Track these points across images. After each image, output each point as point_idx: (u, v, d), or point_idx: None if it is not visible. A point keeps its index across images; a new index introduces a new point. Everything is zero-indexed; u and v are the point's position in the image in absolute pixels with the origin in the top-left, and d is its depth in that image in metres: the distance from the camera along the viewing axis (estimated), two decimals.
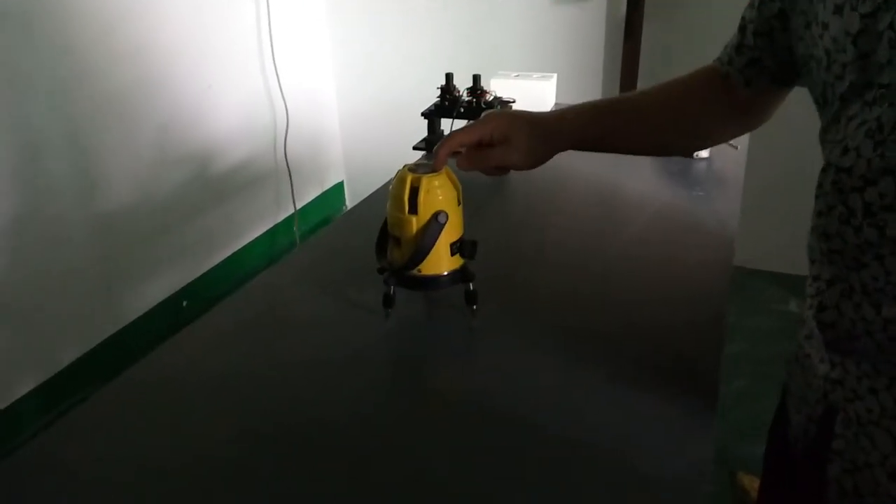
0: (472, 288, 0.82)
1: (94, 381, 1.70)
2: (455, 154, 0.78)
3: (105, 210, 1.84)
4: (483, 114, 0.79)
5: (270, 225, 2.48)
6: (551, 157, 0.79)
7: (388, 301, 0.81)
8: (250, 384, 0.73)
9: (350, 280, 0.89)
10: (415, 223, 0.76)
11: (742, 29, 0.70)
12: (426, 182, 0.75)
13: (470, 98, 1.35)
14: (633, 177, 1.27)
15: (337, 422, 0.68)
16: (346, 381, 0.74)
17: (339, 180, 2.86)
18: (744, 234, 1.15)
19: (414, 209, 0.75)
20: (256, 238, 2.42)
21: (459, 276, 0.80)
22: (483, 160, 0.78)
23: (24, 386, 1.67)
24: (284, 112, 2.41)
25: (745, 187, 1.21)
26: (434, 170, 0.77)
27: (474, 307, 0.82)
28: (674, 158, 1.29)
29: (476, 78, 1.34)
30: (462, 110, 1.34)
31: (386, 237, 0.80)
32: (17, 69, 1.57)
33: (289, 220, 2.54)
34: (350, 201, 2.90)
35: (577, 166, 1.31)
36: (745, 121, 0.79)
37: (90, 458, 0.64)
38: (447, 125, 1.38)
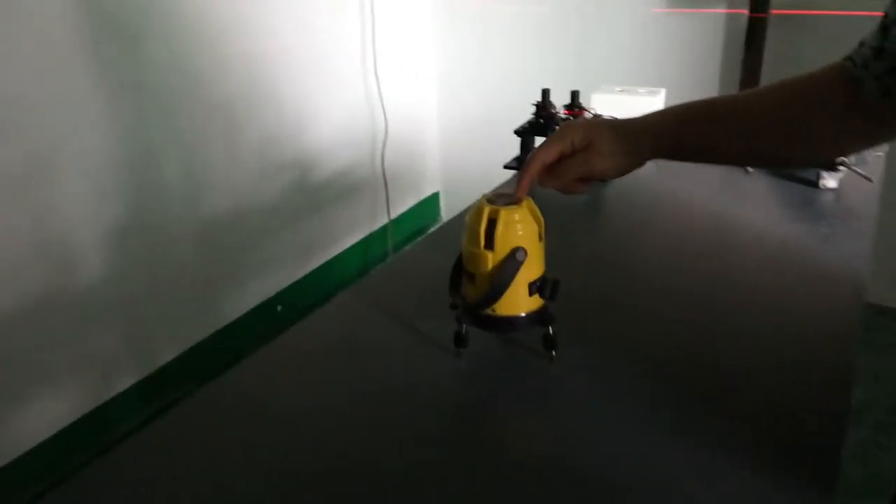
0: (551, 332, 0.74)
1: (188, 381, 1.76)
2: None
3: (207, 215, 1.90)
4: (559, 127, 0.73)
5: (365, 234, 2.50)
6: (638, 165, 0.72)
7: (459, 340, 0.76)
8: (314, 415, 0.70)
9: (425, 309, 0.84)
10: (490, 259, 0.70)
11: (884, 29, 0.58)
12: (505, 215, 0.69)
13: (567, 115, 1.27)
14: (746, 206, 1.15)
15: (395, 467, 0.63)
16: (410, 422, 0.69)
17: (435, 191, 2.85)
18: (875, 271, 1.01)
19: (490, 244, 0.69)
20: (351, 246, 2.44)
21: (538, 318, 0.74)
22: (564, 173, 0.71)
23: (125, 382, 1.75)
24: (384, 122, 2.42)
25: (880, 221, 1.06)
26: (515, 201, 0.71)
27: (553, 353, 0.75)
28: (795, 187, 1.16)
29: (574, 94, 1.26)
30: (557, 128, 1.26)
31: (460, 271, 0.75)
32: (132, 81, 1.65)
33: (383, 230, 2.55)
34: (445, 212, 2.88)
35: (680, 193, 1.20)
36: (874, 134, 0.66)
37: (166, 474, 0.63)
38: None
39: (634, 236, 1.08)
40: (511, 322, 0.73)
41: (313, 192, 2.25)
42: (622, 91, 1.47)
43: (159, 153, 1.75)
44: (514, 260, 0.69)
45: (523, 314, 0.73)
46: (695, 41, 2.19)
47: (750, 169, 1.26)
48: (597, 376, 0.74)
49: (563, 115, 1.27)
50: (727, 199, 1.20)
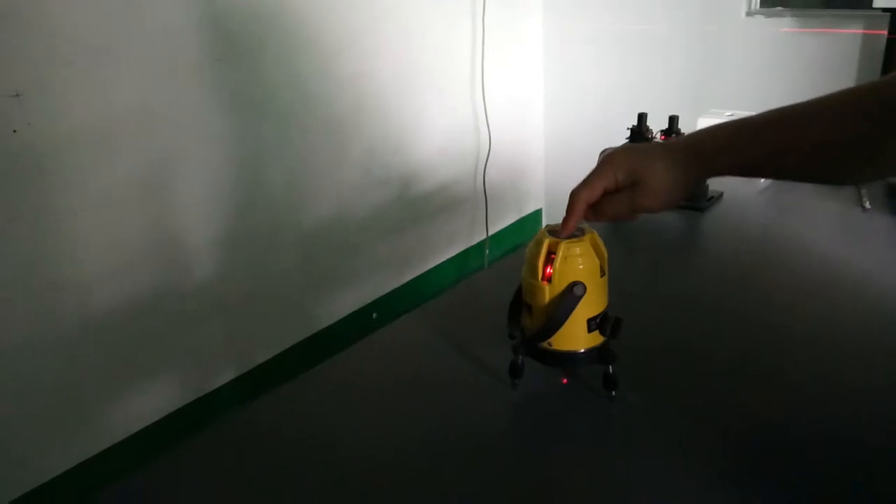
0: (611, 371, 0.71)
1: (282, 381, 1.84)
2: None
3: (310, 224, 1.99)
4: (601, 156, 0.69)
5: (463, 248, 2.52)
6: (687, 193, 0.67)
7: (514, 371, 0.74)
8: (358, 437, 0.71)
9: (488, 337, 0.83)
10: (548, 292, 0.68)
11: None
12: (564, 248, 0.67)
13: (664, 142, 1.22)
14: (860, 247, 1.04)
15: (434, 496, 0.62)
16: (455, 452, 0.68)
17: (538, 208, 2.82)
18: None
19: (548, 277, 0.68)
20: (448, 259, 2.47)
21: (597, 355, 0.71)
22: (610, 210, 0.68)
23: (225, 376, 1.86)
24: (488, 138, 2.43)
25: None
26: (577, 234, 0.69)
27: (613, 393, 0.72)
28: None
29: (672, 119, 1.20)
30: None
31: (520, 302, 0.73)
32: (251, 97, 1.76)
33: (480, 245, 2.56)
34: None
35: (786, 228, 1.12)
36: None
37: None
38: None
39: (730, 274, 1.01)
40: (568, 357, 0.70)
41: (413, 205, 2.30)
42: (732, 116, 1.39)
43: (269, 164, 1.85)
44: (571, 295, 0.66)
45: (582, 350, 0.70)
46: (825, 63, 2.03)
47: (868, 205, 1.15)
48: (657, 423, 0.70)
49: (660, 141, 1.22)
50: (838, 237, 1.10)
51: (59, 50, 1.36)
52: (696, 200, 1.20)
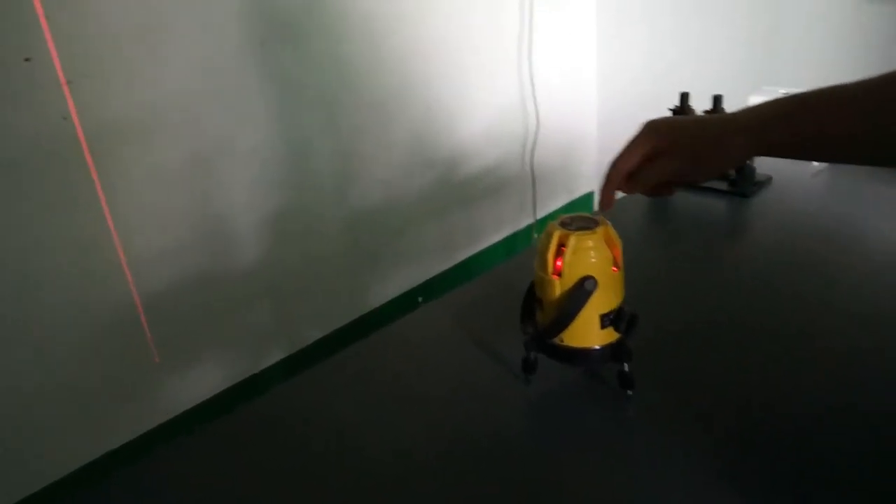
0: (627, 369, 0.68)
1: (328, 361, 1.87)
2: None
3: (356, 207, 2.00)
4: (641, 127, 0.66)
5: (511, 231, 2.48)
6: (729, 167, 0.64)
7: (527, 366, 0.72)
8: (368, 425, 0.71)
9: (509, 329, 0.81)
10: (558, 287, 0.65)
11: None
12: (575, 241, 0.64)
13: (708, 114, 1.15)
14: None
15: (443, 491, 0.62)
16: (466, 445, 0.67)
17: (590, 190, 2.75)
18: None
19: (558, 271, 0.65)
20: (495, 243, 2.44)
21: (611, 353, 0.68)
22: (648, 179, 0.65)
23: (274, 356, 1.91)
24: (535, 119, 2.38)
25: None
26: (590, 225, 0.66)
27: (629, 392, 0.69)
28: None
29: (717, 99, 1.14)
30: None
31: (534, 296, 0.71)
32: (295, 81, 1.77)
33: (528, 228, 2.52)
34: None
35: (848, 217, 1.04)
36: None
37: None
38: None
39: (774, 267, 0.95)
40: (581, 354, 0.68)
41: (460, 188, 2.28)
42: (786, 94, 1.30)
43: (315, 147, 1.87)
44: (582, 289, 0.64)
45: (596, 347, 0.68)
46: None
47: None
48: (675, 425, 0.67)
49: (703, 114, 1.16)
50: None
51: (108, 36, 1.40)
52: (742, 185, 1.14)
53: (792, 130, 0.61)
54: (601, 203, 0.67)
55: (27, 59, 1.29)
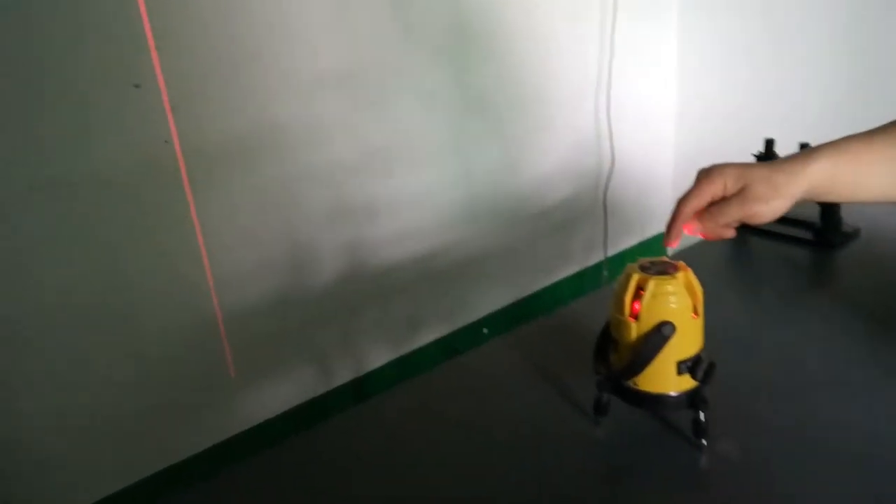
0: (702, 418, 0.67)
1: (390, 387, 1.90)
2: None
3: (433, 238, 2.04)
4: (700, 170, 0.66)
5: (579, 268, 2.47)
6: (789, 206, 0.64)
7: (598, 408, 0.72)
8: (434, 460, 0.72)
9: (580, 368, 0.81)
10: (634, 330, 0.65)
11: None
12: (654, 285, 0.64)
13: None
14: None
15: None
16: (530, 484, 0.67)
17: (662, 231, 2.70)
18: None
19: (636, 314, 0.65)
20: (563, 279, 2.43)
21: (686, 400, 0.67)
22: (716, 218, 0.66)
23: (342, 377, 1.95)
24: (610, 156, 2.37)
25: None
26: (669, 270, 0.66)
27: (704, 442, 0.67)
28: None
29: (769, 143, 1.11)
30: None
31: (608, 336, 0.71)
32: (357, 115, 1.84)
33: (599, 265, 2.49)
34: (671, 252, 2.71)
35: None
36: None
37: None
38: None
39: (857, 325, 0.91)
40: (654, 399, 0.67)
41: (529, 220, 2.29)
42: None
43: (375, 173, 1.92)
44: (659, 335, 0.64)
45: (672, 394, 0.67)
46: None
47: None
48: (750, 479, 0.65)
49: None
50: None
51: (212, 64, 1.49)
52: (828, 234, 1.10)
53: (862, 171, 0.63)
54: (667, 238, 0.67)
55: (136, 86, 1.39)
